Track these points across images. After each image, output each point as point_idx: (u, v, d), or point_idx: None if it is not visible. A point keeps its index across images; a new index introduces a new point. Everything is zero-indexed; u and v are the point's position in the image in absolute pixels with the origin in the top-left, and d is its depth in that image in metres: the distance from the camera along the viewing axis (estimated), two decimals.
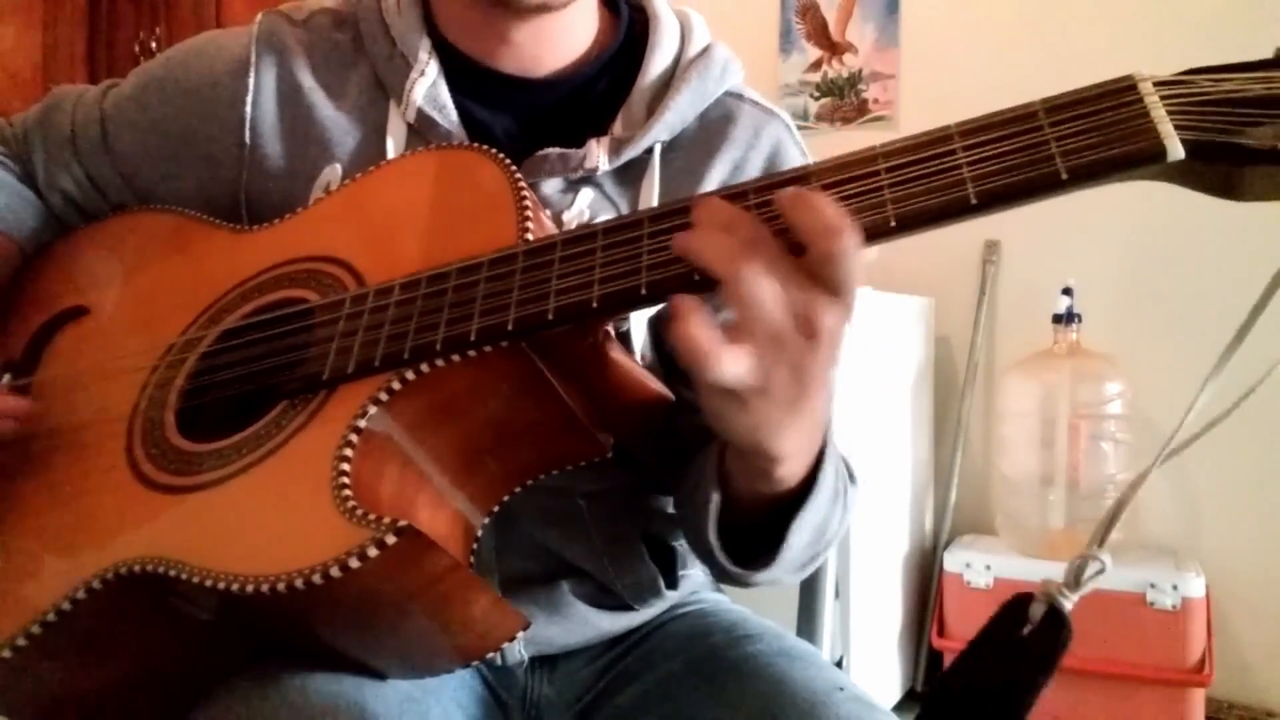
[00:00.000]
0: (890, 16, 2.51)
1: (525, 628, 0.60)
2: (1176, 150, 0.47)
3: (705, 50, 0.81)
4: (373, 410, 0.57)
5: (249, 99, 0.78)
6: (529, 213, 0.61)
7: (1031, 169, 0.49)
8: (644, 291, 0.54)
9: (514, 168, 0.64)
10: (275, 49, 0.79)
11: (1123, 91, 0.49)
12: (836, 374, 0.54)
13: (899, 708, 2.16)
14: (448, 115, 0.76)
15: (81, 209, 0.85)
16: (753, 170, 0.80)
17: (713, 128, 0.80)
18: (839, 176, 0.52)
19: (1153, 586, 1.94)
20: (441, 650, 0.62)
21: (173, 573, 0.55)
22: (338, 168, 0.75)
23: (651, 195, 0.77)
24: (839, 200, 0.51)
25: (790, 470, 0.60)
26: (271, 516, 0.56)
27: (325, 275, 0.67)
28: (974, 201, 0.49)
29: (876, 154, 0.52)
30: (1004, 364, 2.34)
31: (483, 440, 0.62)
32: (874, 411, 2.05)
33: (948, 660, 2.16)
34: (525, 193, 0.62)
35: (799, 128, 0.85)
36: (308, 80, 0.78)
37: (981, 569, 2.09)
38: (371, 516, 0.51)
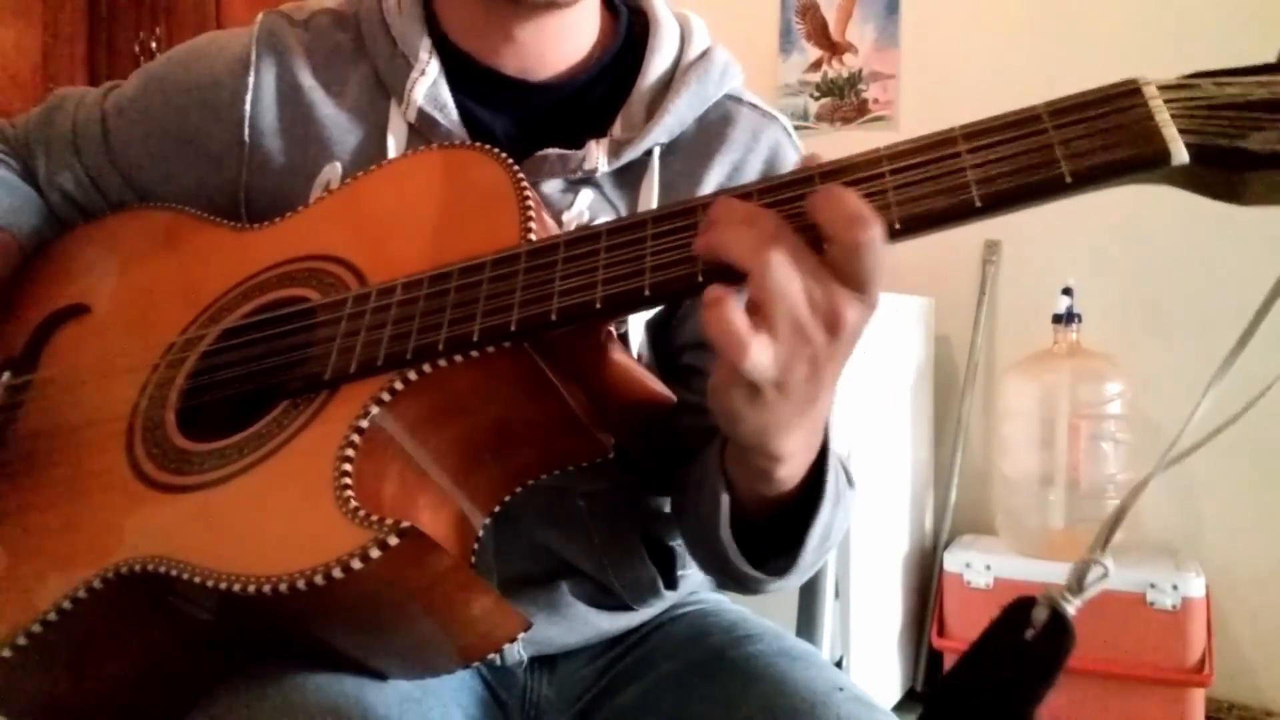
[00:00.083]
0: (890, 16, 2.51)
1: (526, 628, 0.60)
2: (1181, 154, 0.47)
3: (705, 53, 0.81)
4: (375, 410, 0.57)
5: (249, 97, 0.78)
6: (532, 212, 0.61)
7: (1036, 172, 0.48)
8: (647, 293, 0.53)
9: (516, 167, 0.64)
10: (275, 48, 0.79)
11: (1126, 95, 0.49)
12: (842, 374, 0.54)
13: (899, 708, 2.16)
14: (449, 115, 0.76)
15: (81, 207, 0.85)
16: (751, 173, 0.80)
17: (711, 130, 0.80)
18: (843, 179, 0.52)
19: (1153, 586, 1.94)
20: (442, 651, 0.62)
21: (173, 572, 0.55)
22: (338, 166, 0.75)
23: (650, 197, 0.77)
24: None
25: (790, 471, 0.60)
26: (273, 516, 0.56)
27: (327, 274, 0.67)
28: (978, 205, 0.49)
29: (880, 156, 0.52)
30: (1004, 364, 2.34)
31: (484, 440, 0.62)
32: (874, 411, 2.05)
33: (948, 660, 2.16)
34: (528, 192, 0.62)
35: (799, 128, 0.85)
36: (308, 79, 0.78)
37: (981, 569, 2.09)
38: (374, 517, 0.51)
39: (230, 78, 0.78)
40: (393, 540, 0.50)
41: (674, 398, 0.66)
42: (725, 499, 0.64)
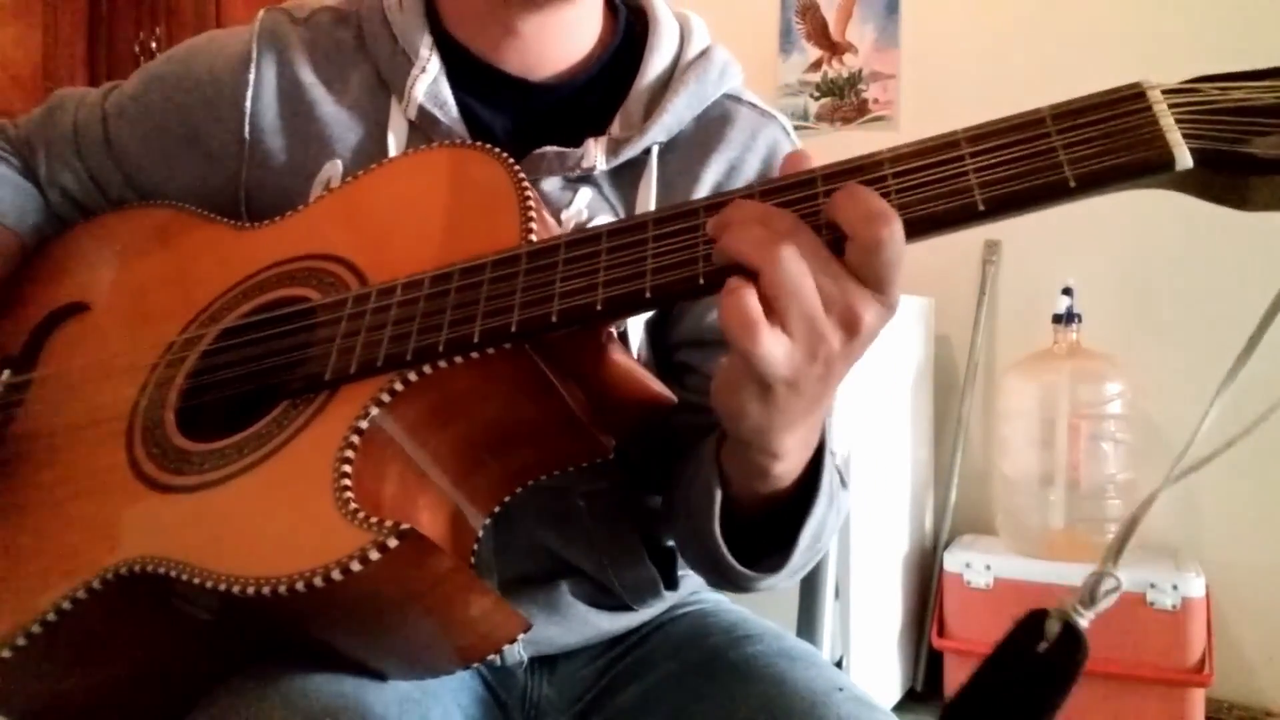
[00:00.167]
0: (890, 16, 2.50)
1: (527, 629, 0.60)
2: (1185, 159, 0.46)
3: (704, 53, 0.81)
4: (375, 411, 0.57)
5: (249, 94, 0.78)
6: (532, 213, 0.61)
7: (1039, 176, 0.48)
8: (649, 295, 0.53)
9: (517, 167, 0.64)
10: (276, 46, 0.79)
11: (1131, 99, 0.48)
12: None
13: (899, 708, 2.16)
14: (449, 112, 0.76)
15: (81, 206, 0.85)
16: (748, 171, 0.80)
17: (710, 129, 0.80)
18: (844, 181, 0.52)
19: (1153, 586, 1.94)
20: (442, 651, 0.61)
21: (173, 573, 0.54)
22: (338, 164, 0.75)
23: (649, 196, 0.77)
24: None
25: (787, 468, 0.60)
26: (273, 517, 0.56)
27: (327, 274, 0.67)
28: (982, 208, 0.49)
29: (883, 159, 0.52)
30: (1004, 364, 2.34)
31: (484, 441, 0.62)
32: (874, 411, 2.05)
33: (948, 660, 2.16)
34: (529, 192, 0.62)
35: (799, 128, 0.85)
36: (308, 76, 0.78)
37: (981, 569, 2.09)
38: (373, 519, 0.51)
39: (231, 75, 0.78)
40: (392, 542, 0.50)
41: (674, 398, 0.66)
42: (718, 494, 0.64)
